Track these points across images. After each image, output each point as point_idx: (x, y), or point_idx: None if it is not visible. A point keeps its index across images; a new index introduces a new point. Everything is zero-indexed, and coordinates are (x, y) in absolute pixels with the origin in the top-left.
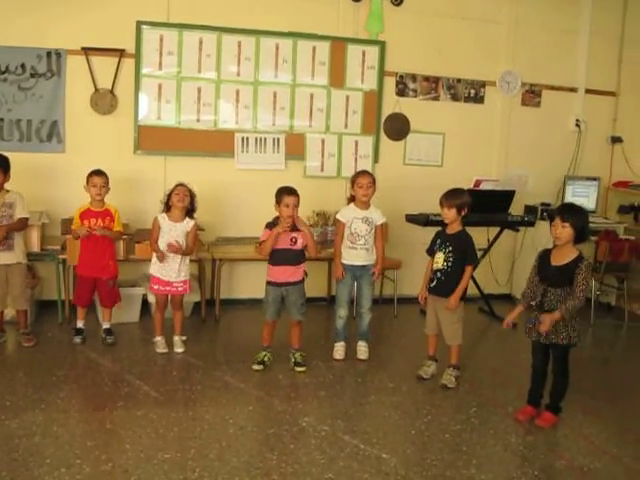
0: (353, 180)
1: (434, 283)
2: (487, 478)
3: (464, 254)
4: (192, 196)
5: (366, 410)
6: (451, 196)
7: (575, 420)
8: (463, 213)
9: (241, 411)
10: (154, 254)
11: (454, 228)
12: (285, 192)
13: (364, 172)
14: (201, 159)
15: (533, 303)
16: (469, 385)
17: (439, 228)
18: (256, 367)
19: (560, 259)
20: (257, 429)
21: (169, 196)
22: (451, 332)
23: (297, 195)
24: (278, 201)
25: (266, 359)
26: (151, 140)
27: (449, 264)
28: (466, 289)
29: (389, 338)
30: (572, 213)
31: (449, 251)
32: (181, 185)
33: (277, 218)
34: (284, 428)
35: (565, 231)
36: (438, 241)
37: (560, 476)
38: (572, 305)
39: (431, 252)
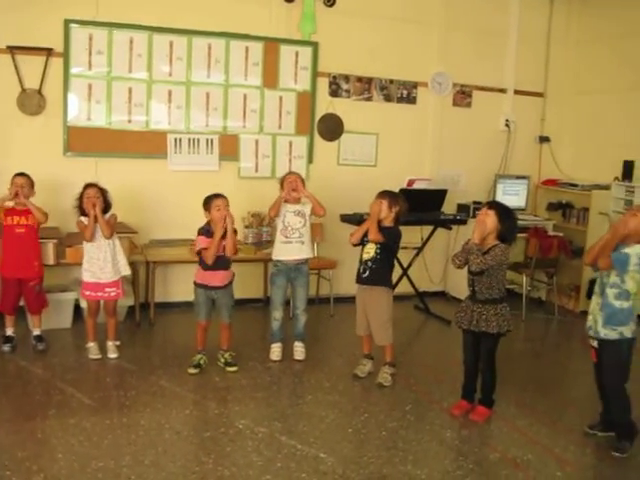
0: (282, 181)
1: (367, 273)
2: (423, 473)
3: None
4: (104, 194)
5: (303, 410)
6: (387, 193)
7: (508, 413)
8: (394, 210)
9: (177, 415)
10: (84, 260)
11: (385, 224)
12: (214, 196)
13: (291, 172)
14: (133, 161)
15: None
16: (405, 382)
17: None
18: (192, 370)
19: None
20: (193, 433)
21: (80, 200)
22: (381, 333)
23: (226, 198)
24: (207, 208)
25: (202, 362)
26: (81, 141)
27: (379, 253)
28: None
29: (325, 338)
30: (499, 205)
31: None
32: (90, 187)
33: (209, 223)
34: (221, 431)
35: (489, 218)
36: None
37: (494, 468)
38: (463, 257)
39: (361, 243)
